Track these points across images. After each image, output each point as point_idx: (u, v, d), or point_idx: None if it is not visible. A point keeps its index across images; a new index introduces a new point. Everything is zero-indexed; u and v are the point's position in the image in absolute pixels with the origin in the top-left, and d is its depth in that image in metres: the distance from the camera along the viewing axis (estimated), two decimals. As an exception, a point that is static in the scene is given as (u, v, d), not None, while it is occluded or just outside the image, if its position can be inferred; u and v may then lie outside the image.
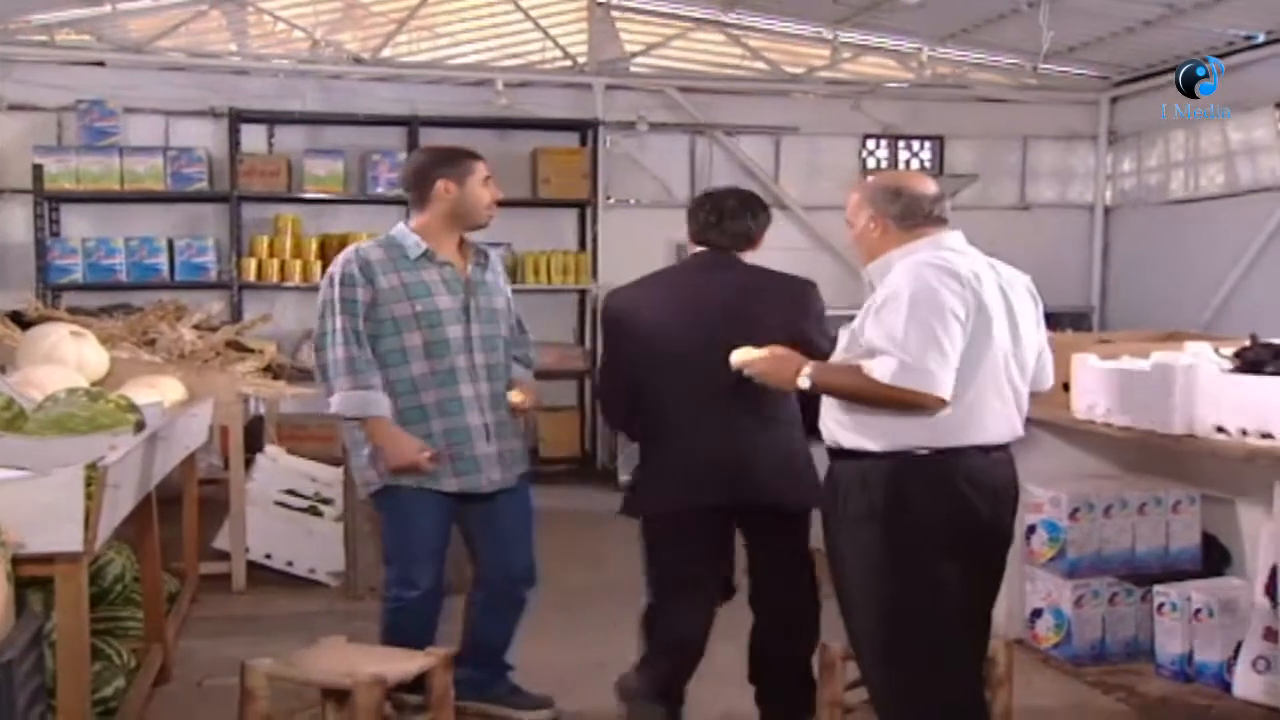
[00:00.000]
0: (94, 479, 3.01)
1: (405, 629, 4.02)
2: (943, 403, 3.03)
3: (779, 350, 3.31)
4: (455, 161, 4.04)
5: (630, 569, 4.09)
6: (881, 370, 3.03)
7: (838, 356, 3.28)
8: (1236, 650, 4.46)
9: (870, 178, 3.51)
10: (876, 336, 3.07)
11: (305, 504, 6.37)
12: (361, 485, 4.14)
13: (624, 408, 3.99)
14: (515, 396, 4.08)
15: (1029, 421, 5.00)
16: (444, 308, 3.96)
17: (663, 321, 3.83)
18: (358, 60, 9.20)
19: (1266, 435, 3.94)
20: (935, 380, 3.01)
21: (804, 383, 3.19)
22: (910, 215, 3.27)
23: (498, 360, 4.08)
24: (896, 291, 3.08)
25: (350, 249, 4.06)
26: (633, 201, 9.70)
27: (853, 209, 3.35)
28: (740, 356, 3.36)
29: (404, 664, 3.60)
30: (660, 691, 3.87)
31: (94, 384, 4.44)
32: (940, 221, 3.30)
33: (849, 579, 3.23)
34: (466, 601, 4.26)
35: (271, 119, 9.04)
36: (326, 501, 6.37)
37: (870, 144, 10.25)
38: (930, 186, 3.34)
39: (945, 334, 3.03)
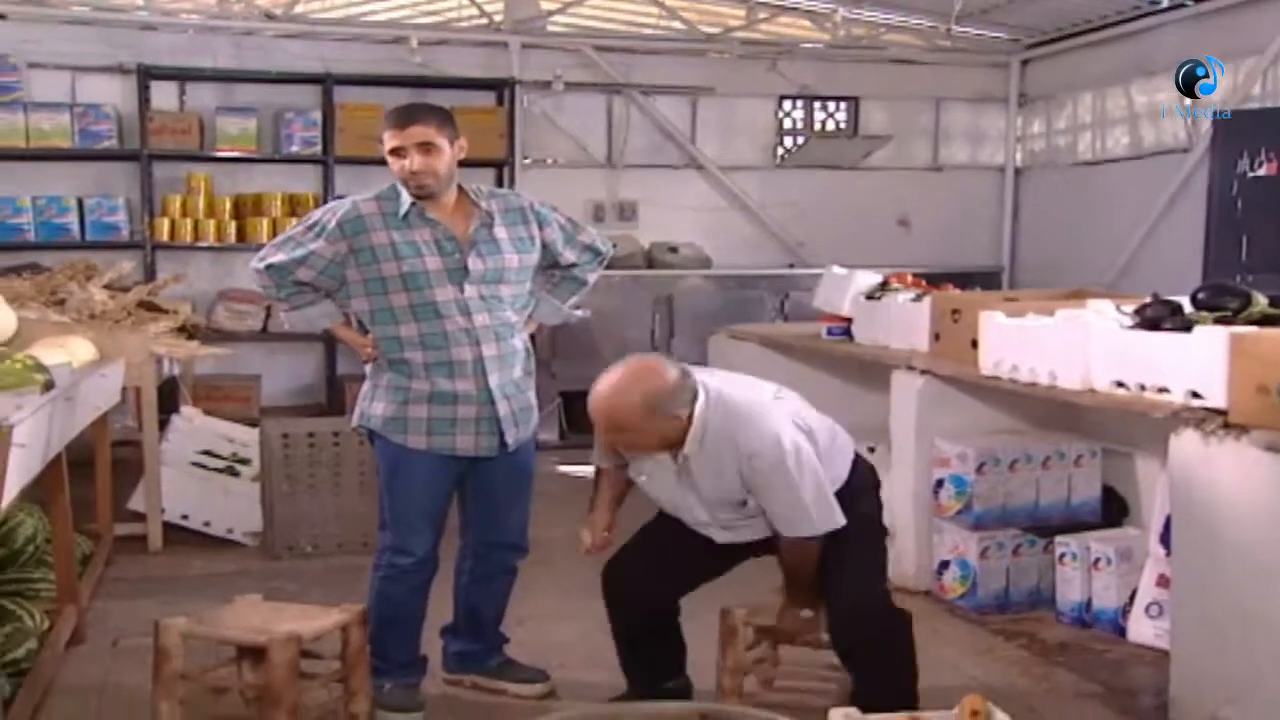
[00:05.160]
0: None
1: (395, 598, 3.93)
2: None
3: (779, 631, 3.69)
4: (381, 130, 3.87)
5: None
6: (800, 530, 3.43)
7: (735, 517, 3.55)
8: (1132, 597, 4.64)
9: (635, 392, 3.37)
10: (781, 512, 3.42)
11: (222, 464, 6.33)
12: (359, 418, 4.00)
13: None
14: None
15: (938, 378, 5.18)
16: (432, 269, 3.80)
17: None
18: (269, 16, 9.05)
19: (1163, 390, 4.06)
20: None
21: (807, 614, 3.58)
22: (684, 402, 3.39)
23: (504, 320, 3.89)
24: (773, 473, 3.37)
25: (348, 199, 3.92)
26: (549, 161, 9.68)
27: (635, 424, 3.35)
28: None
29: (319, 621, 3.62)
30: None
31: (1, 344, 4.37)
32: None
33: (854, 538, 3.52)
34: (455, 570, 4.15)
35: (182, 76, 8.87)
36: (244, 462, 6.33)
37: (786, 104, 10.33)
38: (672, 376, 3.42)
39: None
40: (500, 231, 3.93)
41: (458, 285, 3.83)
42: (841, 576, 3.48)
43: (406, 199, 3.85)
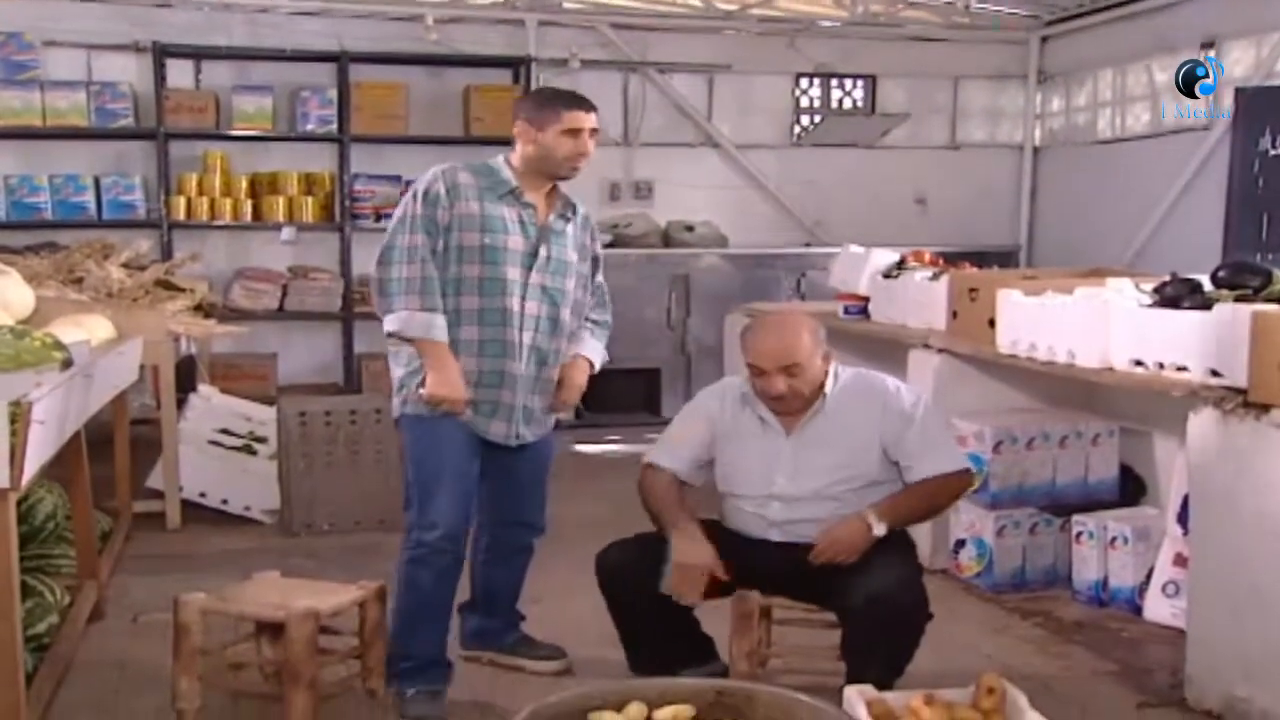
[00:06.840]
0: (19, 415, 3.00)
1: (422, 583, 3.81)
2: None
3: (837, 531, 3.53)
4: (541, 105, 3.88)
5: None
6: (957, 463, 3.70)
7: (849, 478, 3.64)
8: (1149, 576, 4.63)
9: (803, 324, 3.72)
10: (930, 443, 3.65)
11: (239, 443, 6.36)
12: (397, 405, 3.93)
13: None
14: (560, 394, 3.98)
15: (955, 356, 5.17)
16: (511, 247, 3.80)
17: None
18: (285, -7, 9.04)
19: (1181, 368, 4.05)
20: None
21: (880, 530, 3.51)
22: (824, 345, 3.74)
23: (558, 314, 3.90)
24: (916, 406, 3.68)
25: (439, 167, 3.85)
26: (566, 139, 9.63)
27: (805, 354, 3.62)
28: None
29: (337, 597, 3.64)
30: None
31: (20, 323, 4.39)
32: None
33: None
34: (472, 549, 4.09)
35: (197, 54, 8.86)
36: (261, 440, 6.35)
37: (803, 83, 10.28)
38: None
39: None
40: (570, 228, 3.98)
41: (527, 269, 3.85)
42: (892, 558, 3.50)
43: (509, 178, 3.87)
